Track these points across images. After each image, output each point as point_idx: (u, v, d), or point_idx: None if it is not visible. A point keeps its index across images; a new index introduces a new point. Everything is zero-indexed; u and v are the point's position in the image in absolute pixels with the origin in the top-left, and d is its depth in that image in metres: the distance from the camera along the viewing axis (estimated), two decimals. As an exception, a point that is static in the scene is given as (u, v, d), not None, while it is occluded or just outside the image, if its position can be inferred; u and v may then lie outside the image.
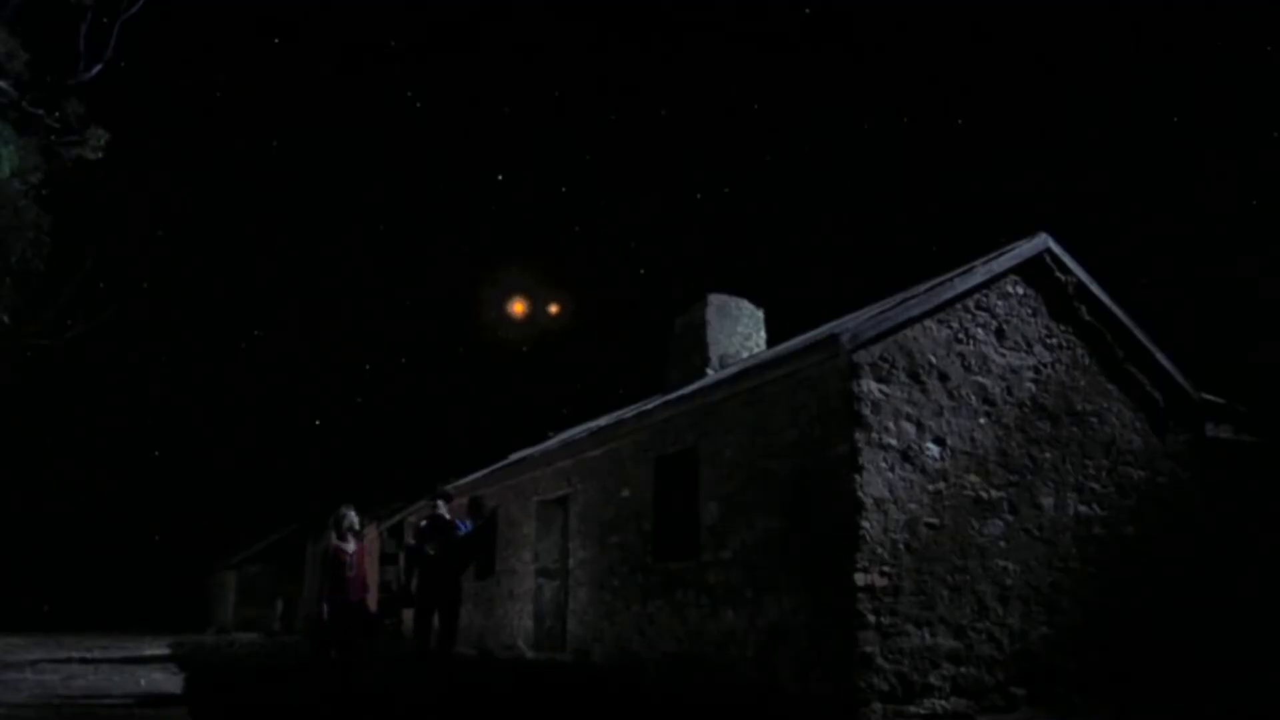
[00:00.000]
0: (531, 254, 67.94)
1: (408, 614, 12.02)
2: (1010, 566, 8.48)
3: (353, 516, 9.01)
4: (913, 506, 8.04)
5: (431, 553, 9.39)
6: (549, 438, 17.92)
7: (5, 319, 12.26)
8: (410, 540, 9.95)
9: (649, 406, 11.54)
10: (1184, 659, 9.13)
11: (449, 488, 12.26)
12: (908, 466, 8.10)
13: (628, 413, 12.54)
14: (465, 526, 9.70)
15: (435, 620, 9.67)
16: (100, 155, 12.02)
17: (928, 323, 8.61)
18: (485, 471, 16.51)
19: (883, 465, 7.95)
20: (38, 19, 11.71)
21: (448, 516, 9.90)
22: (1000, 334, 9.10)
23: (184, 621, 40.56)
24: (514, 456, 16.63)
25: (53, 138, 11.87)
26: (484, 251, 68.58)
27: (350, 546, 8.86)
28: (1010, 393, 8.99)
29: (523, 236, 69.69)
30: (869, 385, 8.05)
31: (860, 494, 7.75)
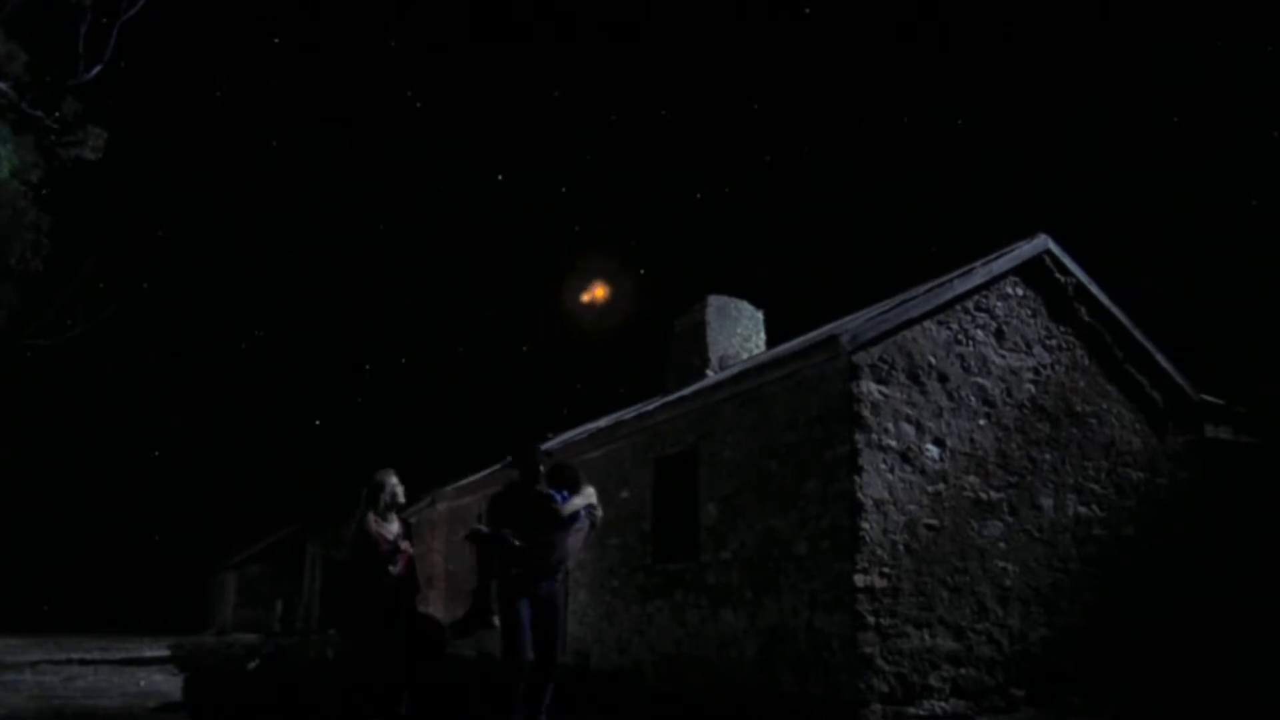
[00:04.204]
0: (530, 255, 67.93)
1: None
2: (1010, 568, 8.48)
3: (394, 484, 6.38)
4: (912, 508, 8.04)
5: (519, 544, 6.00)
6: (549, 439, 17.92)
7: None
8: (480, 526, 6.32)
9: (649, 408, 11.54)
10: (1184, 659, 9.13)
11: (547, 445, 7.96)
12: (907, 468, 8.10)
13: (627, 414, 12.54)
14: (564, 498, 6.29)
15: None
16: (99, 156, 12.01)
17: (927, 324, 8.61)
18: (485, 473, 16.51)
19: (882, 466, 7.95)
20: (37, 20, 11.71)
21: (538, 486, 6.34)
22: (1000, 335, 9.10)
23: (184, 622, 40.57)
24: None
25: (52, 138, 11.86)
26: (484, 253, 68.59)
27: (393, 529, 6.32)
28: (1010, 394, 8.99)
29: (522, 237, 69.69)
30: (869, 386, 8.05)
31: (860, 495, 7.75)
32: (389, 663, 6.01)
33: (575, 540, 6.27)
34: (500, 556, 6.07)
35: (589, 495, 6.37)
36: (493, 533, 6.13)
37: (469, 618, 6.18)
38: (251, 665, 9.14)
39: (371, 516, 6.28)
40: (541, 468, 6.39)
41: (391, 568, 6.17)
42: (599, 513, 6.47)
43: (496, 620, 6.08)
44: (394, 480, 6.41)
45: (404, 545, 6.28)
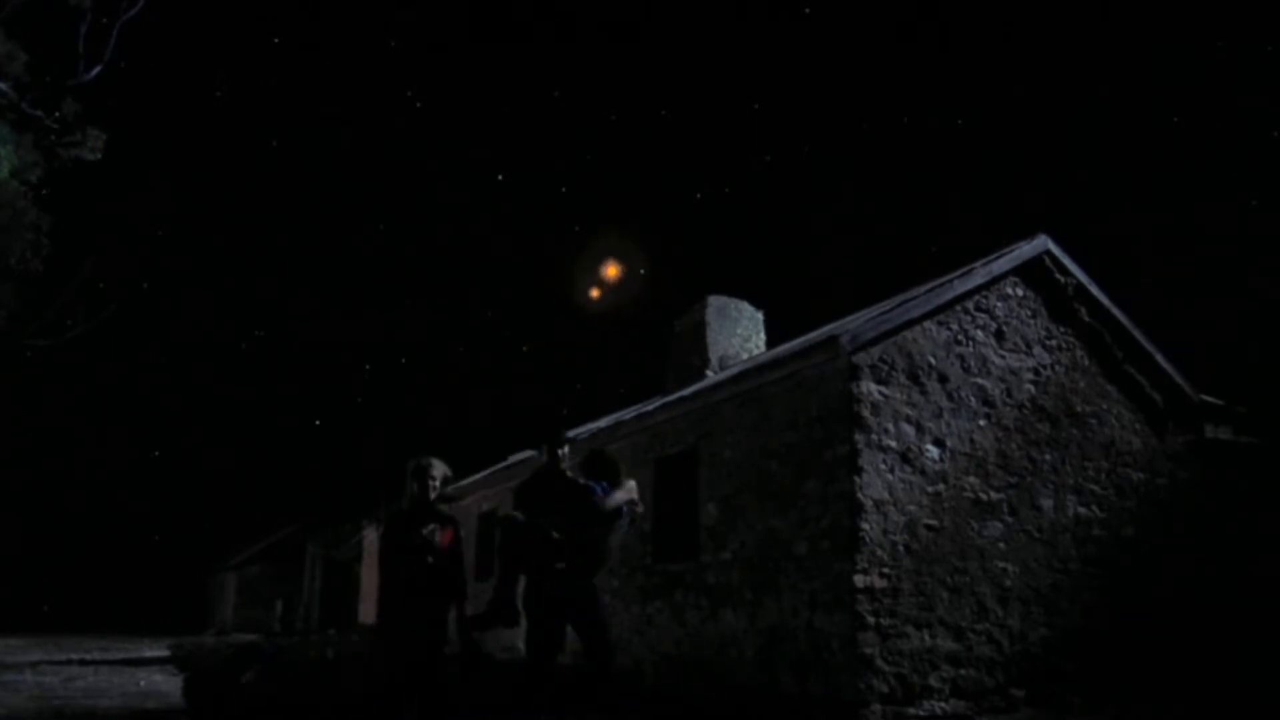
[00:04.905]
0: (530, 255, 67.95)
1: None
2: (1010, 568, 8.48)
3: (440, 470, 5.36)
4: (912, 508, 8.04)
5: (557, 536, 5.36)
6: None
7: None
8: (513, 511, 5.62)
9: (649, 408, 11.54)
10: (1184, 659, 9.13)
11: (570, 434, 7.42)
12: (907, 468, 8.09)
13: (627, 414, 12.53)
14: (603, 490, 5.59)
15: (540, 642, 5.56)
16: (98, 156, 12.02)
17: (927, 324, 8.60)
18: (485, 473, 16.50)
19: (882, 467, 7.95)
20: (37, 20, 11.72)
21: (570, 474, 5.75)
22: (1000, 335, 9.10)
23: (184, 622, 40.57)
24: (513, 458, 16.61)
25: (52, 138, 11.87)
26: (484, 253, 68.61)
27: (422, 518, 5.26)
28: (1010, 394, 8.98)
29: (522, 237, 69.71)
30: (869, 387, 8.05)
31: (860, 495, 7.75)
32: (400, 662, 5.19)
33: (614, 539, 5.69)
34: (534, 550, 5.38)
35: (630, 489, 5.69)
36: (529, 522, 5.41)
37: (490, 613, 5.49)
38: (246, 677, 8.99)
39: (406, 504, 5.45)
40: (566, 450, 5.77)
41: (430, 564, 5.17)
42: (640, 509, 5.80)
43: (522, 620, 5.44)
44: (440, 467, 5.41)
45: (437, 537, 5.27)
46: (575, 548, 5.38)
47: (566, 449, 5.79)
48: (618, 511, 5.57)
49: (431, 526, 5.25)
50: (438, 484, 5.39)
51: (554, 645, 5.43)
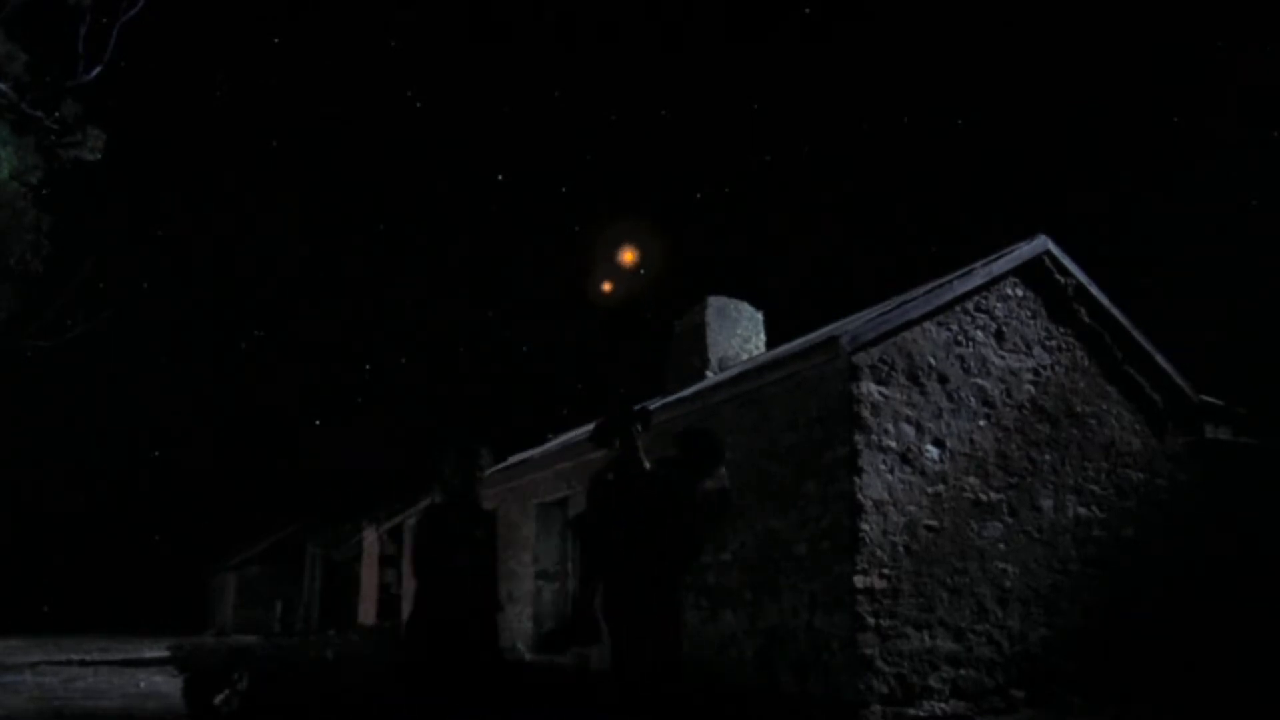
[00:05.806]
0: (530, 255, 68.00)
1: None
2: (1009, 569, 8.48)
3: (488, 459, 5.05)
4: (912, 509, 8.04)
5: (640, 538, 4.64)
6: (548, 440, 17.92)
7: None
8: (585, 510, 5.04)
9: (649, 408, 11.53)
10: (1184, 660, 9.13)
11: (648, 405, 6.07)
12: (907, 468, 8.10)
13: (627, 414, 12.52)
14: (688, 479, 4.92)
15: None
16: (98, 157, 12.04)
17: (927, 325, 8.61)
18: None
19: (882, 467, 7.95)
20: (37, 20, 11.74)
21: (648, 464, 4.98)
22: (1000, 336, 9.10)
23: (183, 623, 40.52)
24: (513, 459, 16.62)
25: (52, 139, 11.89)
26: (484, 253, 68.64)
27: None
28: (1010, 395, 8.99)
29: (522, 237, 69.75)
30: (868, 387, 8.05)
31: (860, 496, 7.75)
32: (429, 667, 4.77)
33: (703, 533, 4.95)
34: (610, 554, 4.66)
35: (721, 477, 4.90)
36: (604, 519, 4.72)
37: (573, 629, 4.97)
38: (220, 697, 8.57)
39: (444, 492, 4.97)
40: (639, 427, 4.99)
41: (463, 561, 4.76)
42: (734, 500, 5.13)
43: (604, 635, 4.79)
44: (455, 449, 4.92)
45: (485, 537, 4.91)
46: (654, 548, 4.61)
47: (640, 426, 4.98)
48: (703, 503, 4.79)
49: (484, 528, 4.83)
50: (484, 475, 4.95)
51: (640, 654, 4.79)
